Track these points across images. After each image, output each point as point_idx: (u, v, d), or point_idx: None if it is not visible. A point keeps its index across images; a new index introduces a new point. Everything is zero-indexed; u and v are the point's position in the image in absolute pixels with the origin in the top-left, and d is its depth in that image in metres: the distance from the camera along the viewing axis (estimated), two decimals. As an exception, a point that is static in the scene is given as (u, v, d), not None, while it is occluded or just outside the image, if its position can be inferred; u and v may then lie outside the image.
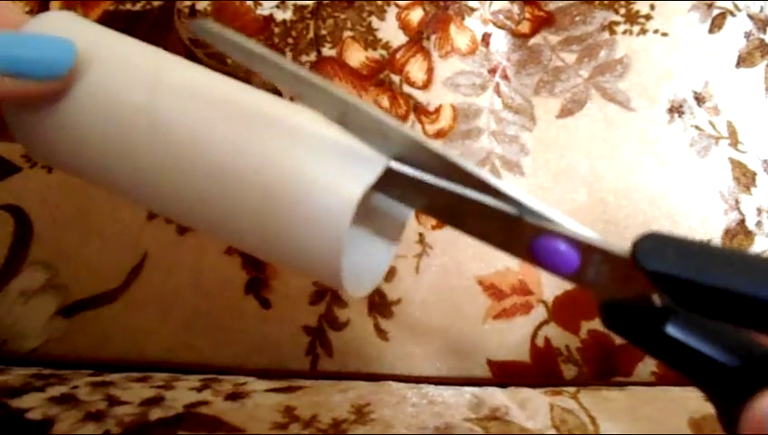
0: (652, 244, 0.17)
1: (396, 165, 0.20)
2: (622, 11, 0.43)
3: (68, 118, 0.22)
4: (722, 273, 0.16)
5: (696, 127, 0.42)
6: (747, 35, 0.43)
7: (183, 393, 0.34)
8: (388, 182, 0.20)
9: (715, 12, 0.44)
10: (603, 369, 0.40)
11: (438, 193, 0.19)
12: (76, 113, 0.22)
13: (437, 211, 0.20)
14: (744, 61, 0.43)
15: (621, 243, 0.18)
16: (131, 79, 0.22)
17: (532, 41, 0.44)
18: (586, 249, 0.18)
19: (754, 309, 0.16)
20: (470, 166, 0.19)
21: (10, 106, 0.22)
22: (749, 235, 0.41)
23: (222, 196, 0.21)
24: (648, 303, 0.18)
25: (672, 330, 0.18)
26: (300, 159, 0.20)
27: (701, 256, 0.17)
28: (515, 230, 0.19)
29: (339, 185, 0.19)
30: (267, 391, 0.35)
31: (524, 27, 0.44)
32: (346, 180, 0.19)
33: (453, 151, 0.19)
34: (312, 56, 0.42)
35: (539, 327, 0.41)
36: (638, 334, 0.18)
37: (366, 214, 0.21)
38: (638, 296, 0.18)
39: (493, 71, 0.43)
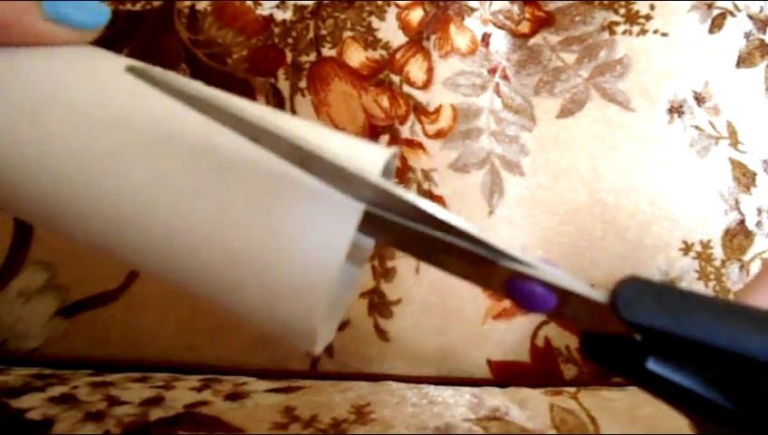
0: (631, 292, 0.17)
1: (371, 208, 0.19)
2: (622, 11, 0.43)
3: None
4: (703, 325, 0.16)
5: (696, 127, 0.42)
6: (747, 35, 0.43)
7: (183, 393, 0.34)
8: (361, 224, 0.19)
9: (715, 12, 0.44)
10: (603, 369, 0.40)
11: (412, 234, 0.19)
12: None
13: (410, 249, 0.20)
14: (743, 61, 0.43)
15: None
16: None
17: (532, 41, 0.44)
18: (563, 294, 0.18)
19: (736, 362, 0.16)
20: (439, 210, 0.19)
21: None
22: (749, 235, 0.41)
23: (179, 255, 0.19)
24: (630, 337, 0.18)
25: (653, 365, 0.17)
26: (278, 212, 0.18)
27: (681, 306, 0.17)
28: (491, 272, 0.19)
29: (325, 237, 0.18)
30: (267, 391, 0.35)
31: (524, 27, 0.44)
32: (330, 235, 0.18)
33: (419, 198, 0.19)
34: (312, 56, 0.42)
35: (539, 327, 0.41)
36: (619, 367, 0.18)
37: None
38: (619, 332, 0.18)
39: (493, 71, 0.43)
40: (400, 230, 0.19)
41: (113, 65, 0.21)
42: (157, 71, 0.18)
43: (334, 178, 0.18)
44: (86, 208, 0.20)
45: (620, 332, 0.18)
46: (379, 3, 0.43)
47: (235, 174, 0.19)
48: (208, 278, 0.19)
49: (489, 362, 0.41)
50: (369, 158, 0.20)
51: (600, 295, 0.17)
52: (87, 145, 0.19)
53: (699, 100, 0.43)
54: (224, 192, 0.19)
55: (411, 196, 0.18)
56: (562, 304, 0.18)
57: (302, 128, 0.20)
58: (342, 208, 0.19)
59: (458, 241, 0.19)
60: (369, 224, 0.19)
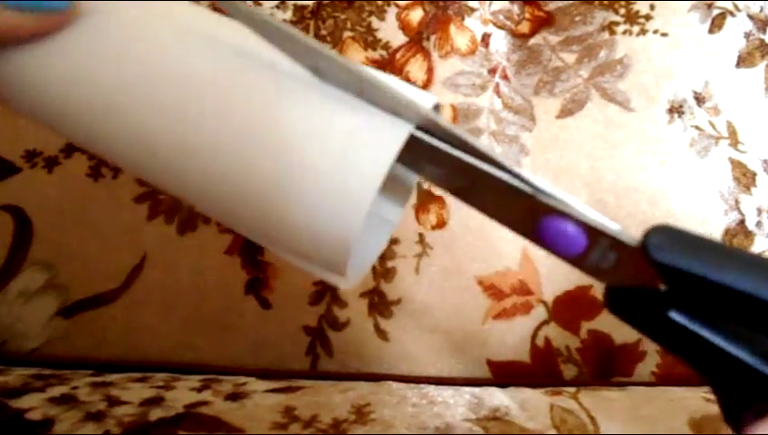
0: (663, 236, 0.17)
1: (418, 133, 0.19)
2: (622, 11, 0.43)
3: (64, 59, 0.20)
4: (732, 271, 0.16)
5: (696, 127, 0.42)
6: (747, 35, 0.43)
7: (183, 393, 0.34)
8: (407, 150, 0.19)
9: (715, 12, 0.44)
10: (603, 369, 0.40)
11: (455, 164, 0.19)
12: (73, 55, 0.20)
13: (451, 183, 0.20)
14: (743, 61, 0.43)
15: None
16: (141, 28, 0.21)
17: (532, 41, 0.44)
18: (594, 233, 0.18)
19: (760, 310, 0.16)
20: (484, 146, 0.19)
21: None
22: (749, 235, 0.41)
23: (230, 160, 0.20)
24: (654, 288, 0.18)
25: (676, 315, 0.18)
26: (322, 126, 0.19)
27: (712, 253, 0.17)
28: (526, 208, 0.19)
29: (364, 155, 0.19)
30: (267, 391, 0.35)
31: (524, 27, 0.44)
32: (370, 152, 0.19)
33: (465, 132, 0.19)
34: (312, 56, 0.42)
35: (539, 327, 0.41)
36: (642, 319, 0.18)
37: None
38: (643, 283, 0.18)
39: (493, 71, 0.43)
40: (444, 158, 0.19)
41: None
42: None
43: (387, 106, 0.19)
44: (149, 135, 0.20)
45: (646, 281, 0.18)
46: (379, 3, 0.43)
47: (293, 92, 0.20)
48: (257, 190, 0.20)
49: (489, 362, 0.41)
50: (420, 95, 0.21)
51: (631, 238, 0.18)
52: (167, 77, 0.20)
53: (699, 100, 0.43)
54: (283, 104, 0.19)
55: (458, 129, 0.19)
56: (591, 248, 0.18)
57: (363, 66, 0.21)
58: (392, 124, 0.19)
59: (499, 173, 0.19)
60: (414, 150, 0.19)
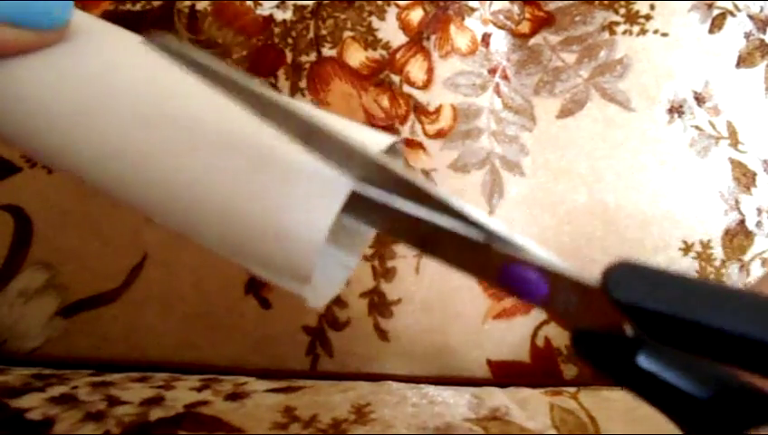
0: (622, 274, 0.17)
1: (360, 188, 0.19)
2: (622, 11, 0.43)
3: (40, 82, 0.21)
4: (693, 306, 0.16)
5: (696, 127, 0.42)
6: (747, 35, 0.43)
7: (183, 393, 0.34)
8: (354, 205, 0.19)
9: (715, 12, 0.44)
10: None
11: (404, 218, 0.19)
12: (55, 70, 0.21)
13: (403, 235, 0.20)
14: (743, 61, 0.43)
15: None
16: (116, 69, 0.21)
17: (532, 41, 0.44)
18: (554, 278, 0.18)
19: (725, 343, 0.16)
20: (436, 191, 0.19)
21: None
22: (749, 235, 0.41)
23: (187, 207, 0.20)
24: (620, 332, 0.18)
25: (643, 361, 0.17)
26: (268, 185, 0.19)
27: (673, 288, 0.16)
28: (484, 257, 0.19)
29: (308, 214, 0.19)
30: (267, 391, 0.35)
31: (524, 27, 0.44)
32: (314, 212, 0.19)
33: (418, 175, 0.19)
34: (312, 56, 0.42)
35: (539, 327, 0.41)
36: (609, 365, 0.18)
37: (332, 230, 0.20)
38: (610, 326, 0.18)
39: (493, 71, 0.43)
40: (389, 213, 0.19)
41: (126, 41, 0.22)
42: (173, 42, 0.19)
43: (334, 153, 0.19)
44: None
45: (611, 322, 0.17)
46: (379, 3, 0.43)
47: (238, 148, 0.20)
48: (216, 233, 0.21)
49: (489, 362, 0.41)
50: (372, 140, 0.21)
51: (591, 279, 0.17)
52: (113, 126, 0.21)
53: (699, 100, 0.43)
54: (226, 164, 0.20)
55: (409, 174, 0.19)
56: (554, 292, 0.18)
57: (312, 111, 0.21)
58: (333, 185, 0.19)
59: (451, 223, 0.19)
60: (362, 206, 0.19)
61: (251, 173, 0.20)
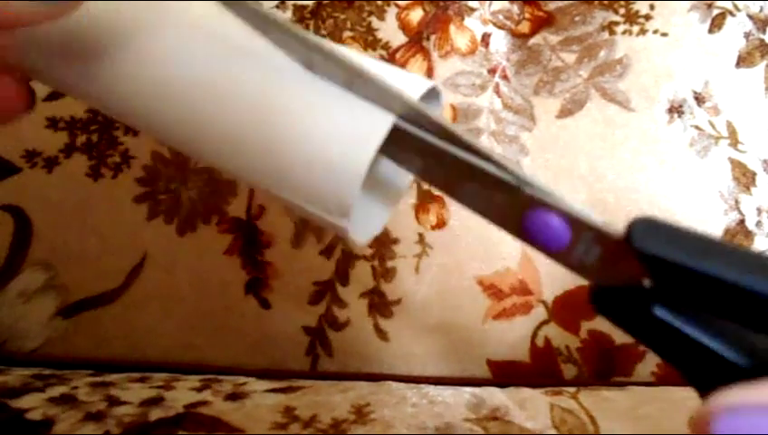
0: (647, 227, 0.17)
1: (401, 123, 0.20)
2: (622, 11, 0.43)
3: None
4: (715, 261, 0.16)
5: (696, 127, 0.42)
6: (747, 35, 0.43)
7: (183, 393, 0.34)
8: (392, 142, 0.20)
9: (715, 12, 0.44)
10: (603, 369, 0.40)
11: (440, 155, 0.19)
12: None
13: (436, 176, 0.20)
14: (744, 61, 0.43)
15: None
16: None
17: (532, 41, 0.44)
18: (578, 226, 0.18)
19: (746, 301, 0.16)
20: (470, 137, 0.19)
21: None
22: (749, 235, 0.41)
23: (236, 133, 0.21)
24: (639, 285, 0.18)
25: (660, 311, 0.17)
26: (315, 113, 0.20)
27: (695, 243, 0.17)
28: (510, 201, 0.19)
29: (353, 142, 0.20)
30: (267, 391, 0.35)
31: (524, 27, 0.44)
32: (358, 140, 0.19)
33: (450, 122, 0.19)
34: (312, 56, 0.42)
35: (539, 327, 0.41)
36: (626, 317, 0.18)
37: (369, 175, 0.21)
38: (628, 279, 0.18)
39: (492, 71, 0.43)
40: (428, 150, 0.20)
41: None
42: None
43: (377, 95, 0.19)
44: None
45: (630, 276, 0.17)
46: (379, 3, 0.43)
47: (282, 88, 0.21)
48: (260, 163, 0.21)
49: (489, 362, 0.41)
50: (413, 82, 0.21)
51: (614, 230, 0.17)
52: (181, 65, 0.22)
53: (699, 100, 0.43)
54: (272, 100, 0.21)
55: (444, 119, 0.19)
56: (576, 240, 0.18)
57: (356, 56, 0.22)
58: (376, 116, 0.20)
59: (484, 164, 0.19)
60: (398, 142, 0.20)
61: (297, 103, 0.20)
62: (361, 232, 0.23)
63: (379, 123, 0.20)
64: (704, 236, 0.17)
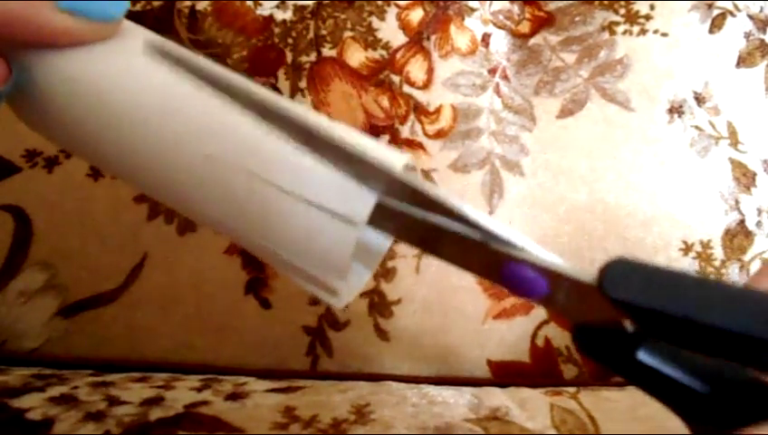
0: (618, 271, 0.17)
1: (383, 199, 0.20)
2: (622, 11, 0.43)
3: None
4: (686, 303, 0.16)
5: (696, 127, 0.42)
6: (747, 35, 0.43)
7: (183, 393, 0.34)
8: (373, 213, 0.20)
9: (715, 12, 0.44)
10: (603, 369, 0.40)
11: (413, 222, 0.20)
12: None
13: (412, 238, 0.21)
14: (743, 61, 0.43)
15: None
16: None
17: (532, 41, 0.44)
18: (552, 276, 0.18)
19: (718, 339, 0.16)
20: (435, 191, 0.19)
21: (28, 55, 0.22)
22: (749, 235, 0.41)
23: (224, 207, 0.21)
24: (620, 327, 0.18)
25: (643, 356, 0.18)
26: (305, 193, 0.20)
27: (667, 285, 0.17)
28: (485, 257, 0.19)
29: (341, 224, 0.20)
30: (267, 391, 0.35)
31: (524, 27, 0.44)
32: (347, 220, 0.20)
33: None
34: (312, 56, 0.42)
35: (539, 327, 0.41)
36: (610, 359, 0.18)
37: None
38: (609, 322, 0.18)
39: (493, 71, 0.43)
40: (404, 219, 0.20)
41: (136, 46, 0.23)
42: (175, 46, 0.19)
43: (353, 167, 0.19)
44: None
45: (610, 318, 0.17)
46: (379, 3, 0.43)
47: (271, 163, 0.21)
48: (253, 237, 0.22)
49: (489, 362, 0.41)
50: (390, 157, 0.21)
51: (588, 276, 0.17)
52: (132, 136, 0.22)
53: (699, 100, 0.43)
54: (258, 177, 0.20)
55: (421, 183, 0.19)
56: (554, 290, 0.18)
57: (323, 122, 0.22)
58: (360, 193, 0.20)
59: (455, 226, 0.19)
60: (378, 215, 0.20)
61: (287, 185, 0.20)
62: (345, 295, 0.24)
63: (366, 202, 0.20)
64: (678, 275, 0.17)
